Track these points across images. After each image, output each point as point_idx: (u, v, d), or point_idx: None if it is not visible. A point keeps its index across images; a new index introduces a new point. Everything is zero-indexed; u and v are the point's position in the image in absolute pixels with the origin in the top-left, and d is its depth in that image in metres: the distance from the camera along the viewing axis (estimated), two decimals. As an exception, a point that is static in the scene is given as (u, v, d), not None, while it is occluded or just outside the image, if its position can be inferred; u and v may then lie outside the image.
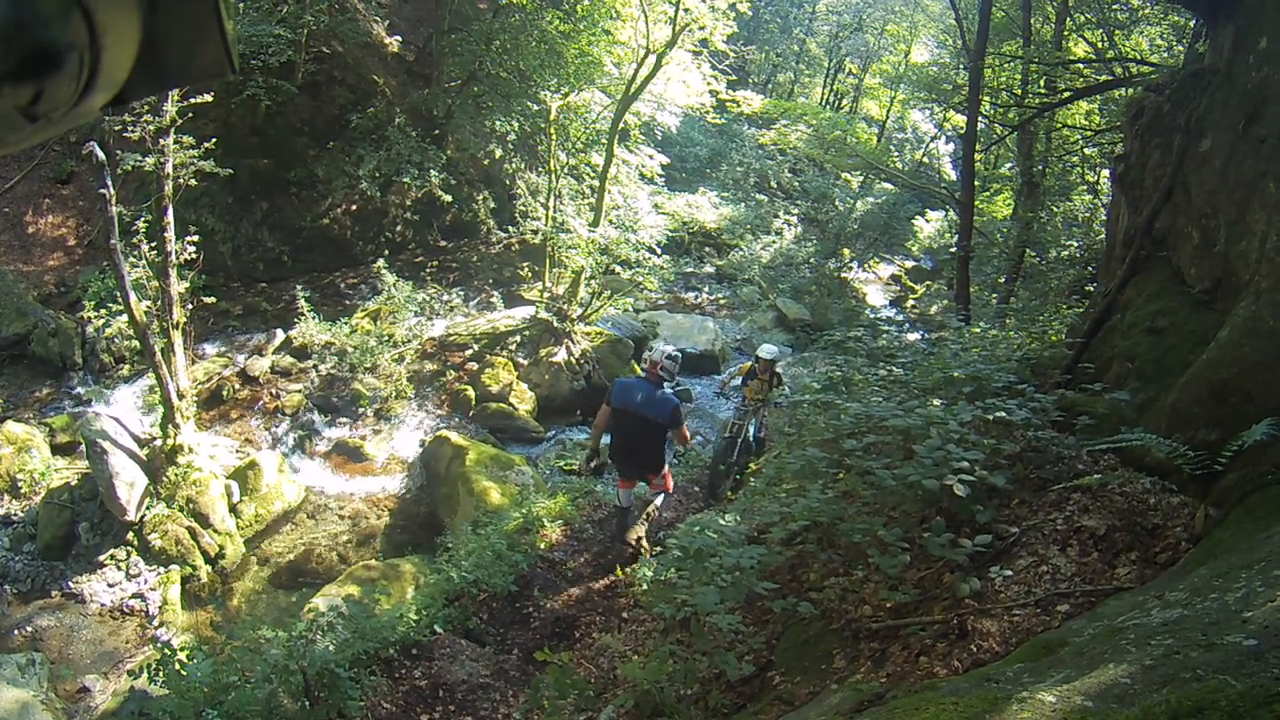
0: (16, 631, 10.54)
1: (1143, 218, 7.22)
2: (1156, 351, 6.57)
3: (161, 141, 11.58)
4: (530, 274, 20.00)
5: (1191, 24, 10.87)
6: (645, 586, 8.26)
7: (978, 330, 9.84)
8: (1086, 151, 16.96)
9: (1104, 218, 12.14)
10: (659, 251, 17.37)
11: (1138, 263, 7.26)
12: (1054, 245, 16.66)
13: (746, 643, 6.08)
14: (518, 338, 17.28)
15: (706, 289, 24.34)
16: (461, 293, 19.20)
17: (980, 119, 14.46)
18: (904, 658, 5.04)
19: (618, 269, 17.34)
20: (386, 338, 16.56)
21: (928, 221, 29.50)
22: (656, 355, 8.75)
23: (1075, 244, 15.67)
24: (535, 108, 19.15)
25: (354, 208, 20.15)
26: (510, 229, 22.64)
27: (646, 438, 8.53)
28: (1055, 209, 17.77)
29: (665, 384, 8.66)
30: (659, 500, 9.71)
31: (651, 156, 19.65)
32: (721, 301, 23.64)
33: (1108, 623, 3.98)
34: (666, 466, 9.21)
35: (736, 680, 5.97)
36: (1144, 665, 3.15)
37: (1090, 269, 12.22)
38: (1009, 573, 5.15)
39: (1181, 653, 3.14)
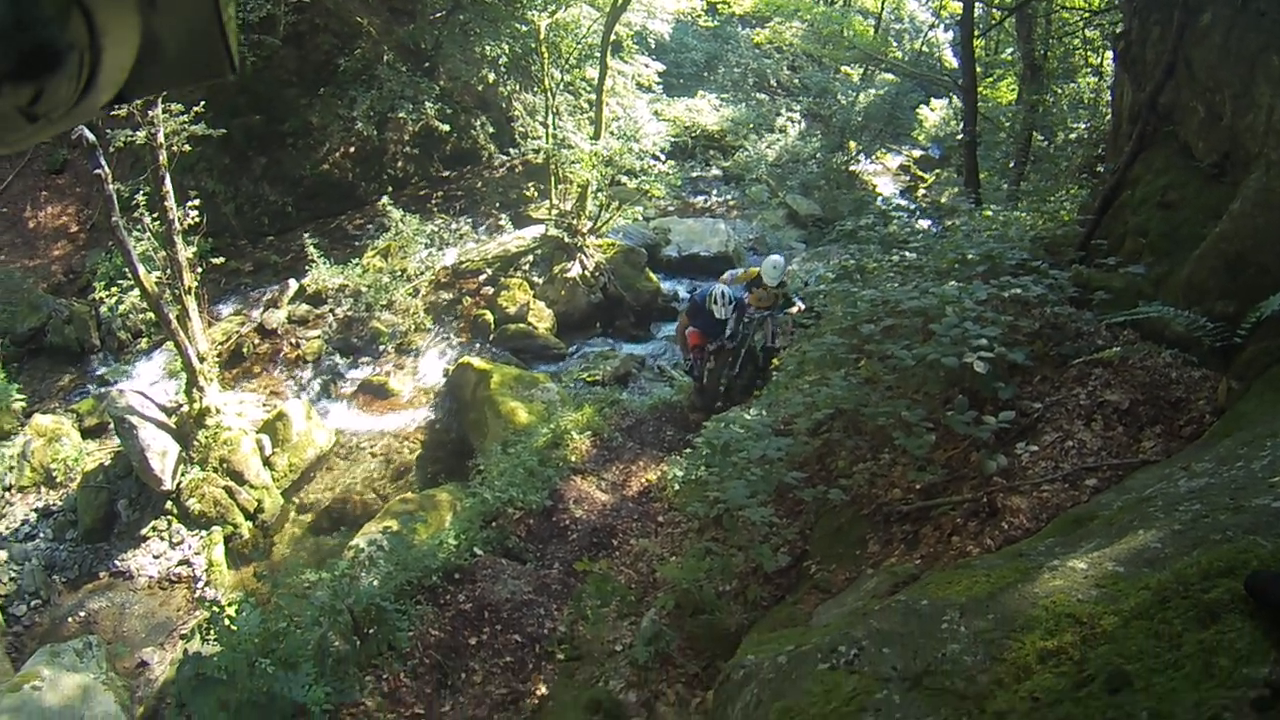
0: (70, 618, 10.74)
1: (1146, 94, 7.13)
2: (1168, 226, 6.58)
3: (150, 113, 11.52)
4: (536, 193, 19.84)
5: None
6: (677, 488, 8.34)
7: (989, 213, 9.64)
8: (1087, 33, 16.51)
9: (1109, 98, 11.84)
10: (663, 158, 17.16)
11: (1145, 138, 7.19)
12: (1061, 128, 16.35)
13: (780, 534, 6.17)
14: (530, 257, 17.25)
15: (715, 191, 24.04)
16: (469, 220, 19.03)
17: (977, 3, 14.03)
18: (936, 538, 5.10)
19: (624, 179, 17.20)
20: (399, 273, 16.57)
21: (932, 110, 28.86)
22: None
23: (1083, 125, 15.33)
24: (524, 28, 18.89)
25: (352, 150, 20.04)
26: (511, 151, 22.47)
27: None
28: (1060, 91, 17.34)
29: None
30: None
31: (646, 65, 19.53)
32: (731, 203, 23.35)
33: (1135, 494, 4.00)
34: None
35: (774, 572, 6.10)
36: (1173, 530, 3.18)
37: (1099, 150, 11.95)
38: (1035, 448, 5.19)
39: (1210, 516, 3.17)
